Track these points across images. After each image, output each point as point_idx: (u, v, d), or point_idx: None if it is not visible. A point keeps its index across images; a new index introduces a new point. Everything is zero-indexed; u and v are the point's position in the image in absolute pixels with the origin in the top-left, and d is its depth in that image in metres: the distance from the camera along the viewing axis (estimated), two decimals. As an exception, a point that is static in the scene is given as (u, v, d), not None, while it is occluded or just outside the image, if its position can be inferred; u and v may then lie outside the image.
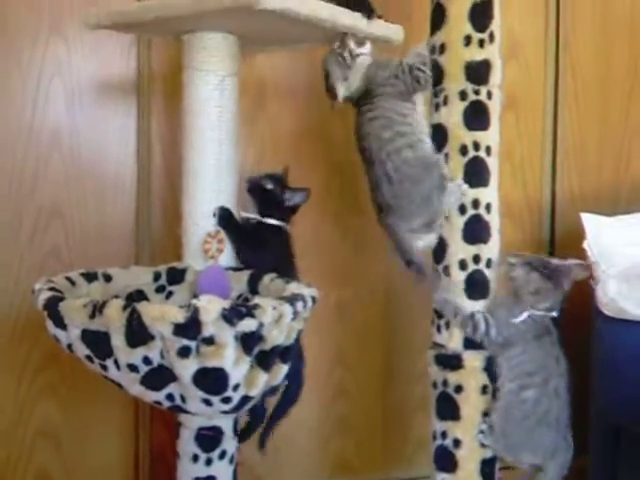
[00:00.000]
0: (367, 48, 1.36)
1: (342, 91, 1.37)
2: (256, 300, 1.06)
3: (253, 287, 1.35)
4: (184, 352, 1.01)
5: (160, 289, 1.40)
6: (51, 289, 1.14)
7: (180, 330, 1.00)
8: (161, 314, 0.99)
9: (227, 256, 1.42)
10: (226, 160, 1.42)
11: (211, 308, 0.99)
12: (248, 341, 1.04)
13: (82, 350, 1.09)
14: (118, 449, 1.76)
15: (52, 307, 1.09)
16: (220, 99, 1.39)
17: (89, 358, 1.09)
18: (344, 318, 1.88)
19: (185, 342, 1.01)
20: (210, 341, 1.01)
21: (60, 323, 1.09)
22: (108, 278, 1.33)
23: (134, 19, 1.37)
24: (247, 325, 1.02)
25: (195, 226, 1.41)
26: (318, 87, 1.70)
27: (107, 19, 1.39)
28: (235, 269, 1.40)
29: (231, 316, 1.01)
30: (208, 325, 0.99)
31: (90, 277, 1.30)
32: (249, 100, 1.73)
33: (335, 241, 1.86)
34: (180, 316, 0.99)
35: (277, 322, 1.06)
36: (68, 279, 1.24)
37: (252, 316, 1.02)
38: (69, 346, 1.11)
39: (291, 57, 1.78)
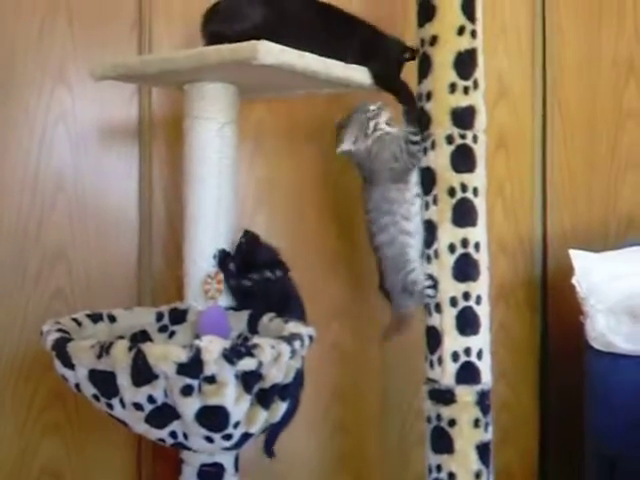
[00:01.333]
0: (391, 129, 1.42)
1: (346, 147, 1.42)
2: (255, 340, 1.11)
3: (253, 327, 1.39)
4: (187, 391, 1.06)
5: (163, 329, 1.45)
6: (59, 330, 1.19)
7: (183, 369, 1.04)
8: (165, 354, 1.04)
9: (227, 296, 1.46)
10: (226, 204, 1.47)
11: (212, 348, 1.04)
12: (248, 379, 1.09)
13: (89, 389, 1.13)
14: (121, 487, 1.77)
15: (60, 348, 1.14)
16: (220, 146, 1.44)
17: (96, 397, 1.14)
18: (341, 355, 1.91)
19: (188, 381, 1.06)
20: (212, 380, 1.06)
21: (68, 363, 1.14)
22: (113, 319, 1.38)
23: (138, 71, 1.42)
24: (247, 364, 1.07)
25: (196, 267, 1.45)
26: (315, 132, 1.83)
27: (112, 71, 1.45)
28: (235, 309, 1.45)
29: (231, 356, 1.05)
30: (210, 364, 1.04)
31: (95, 318, 1.34)
32: (248, 144, 1.78)
33: (331, 279, 1.89)
34: (183, 356, 1.04)
35: (276, 361, 1.11)
36: (74, 320, 1.29)
37: (252, 355, 1.07)
38: (77, 385, 1.16)
39: (289, 102, 1.82)
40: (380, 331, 1.60)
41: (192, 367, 1.05)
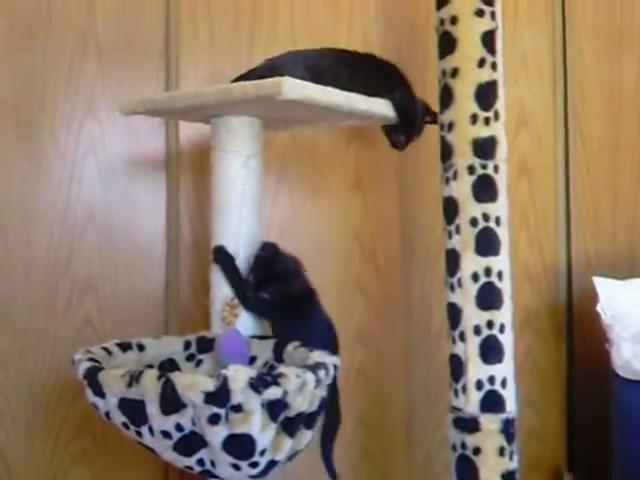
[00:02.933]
0: None
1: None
2: (281, 369, 1.13)
3: (278, 355, 1.40)
4: (214, 419, 1.08)
5: (190, 357, 1.46)
6: (90, 359, 1.21)
7: (210, 398, 1.06)
8: (193, 383, 1.06)
9: (250, 323, 1.47)
10: (249, 234, 1.48)
11: (239, 377, 1.06)
12: (274, 408, 1.10)
13: (119, 418, 1.15)
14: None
15: (92, 377, 1.16)
16: (245, 178, 1.45)
17: (125, 425, 1.16)
18: (366, 381, 1.91)
19: (215, 410, 1.07)
20: (238, 408, 1.07)
21: (99, 392, 1.16)
22: (141, 347, 1.40)
23: (166, 107, 1.45)
24: (273, 393, 1.08)
25: (222, 296, 1.46)
26: (338, 162, 1.87)
27: (140, 106, 1.48)
28: (260, 337, 1.46)
29: (258, 385, 1.07)
30: (236, 393, 1.06)
31: (125, 347, 1.36)
32: (272, 174, 1.79)
33: (357, 304, 1.89)
34: (210, 385, 1.05)
35: (301, 390, 1.12)
36: (105, 349, 1.31)
37: (277, 384, 1.09)
38: (107, 414, 1.18)
39: (312, 133, 1.84)
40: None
41: (219, 396, 1.06)
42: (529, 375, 1.96)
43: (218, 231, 1.48)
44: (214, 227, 1.49)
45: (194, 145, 1.78)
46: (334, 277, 1.87)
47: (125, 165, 1.75)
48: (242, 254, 1.45)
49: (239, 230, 1.46)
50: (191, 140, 1.78)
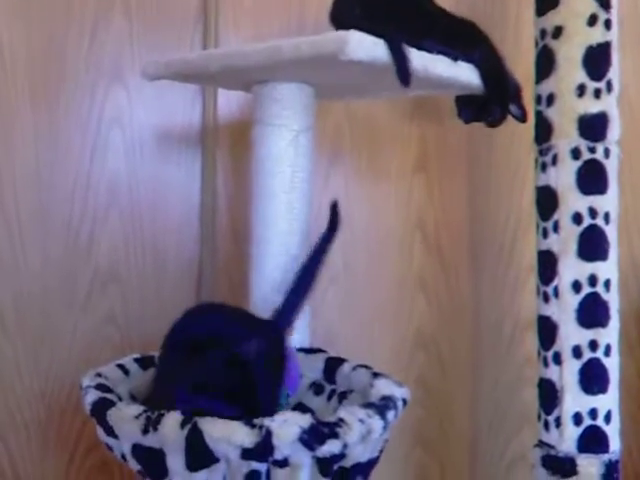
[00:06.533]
0: None
1: None
2: (341, 412, 0.88)
3: (330, 375, 1.18)
4: (253, 478, 0.84)
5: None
6: (99, 387, 0.99)
7: (249, 454, 0.83)
8: (226, 435, 0.82)
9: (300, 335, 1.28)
10: (298, 226, 1.30)
11: (286, 432, 0.82)
12: (328, 462, 0.87)
13: (134, 465, 0.93)
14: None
15: (100, 414, 0.95)
16: (293, 157, 1.27)
17: (141, 474, 0.93)
18: (426, 392, 1.74)
19: (254, 466, 0.84)
20: (283, 463, 0.84)
21: (111, 432, 0.95)
22: None
23: (197, 69, 1.25)
24: (329, 449, 0.85)
25: (261, 296, 1.28)
26: (399, 140, 1.71)
27: (166, 70, 1.28)
28: (308, 351, 1.24)
29: (311, 440, 0.84)
30: (282, 449, 0.82)
31: (145, 363, 1.15)
32: (323, 156, 1.65)
33: (417, 302, 1.75)
34: (248, 440, 0.82)
35: (364, 439, 0.89)
36: (121, 367, 1.11)
37: (336, 436, 0.85)
38: (123, 456, 0.96)
39: (369, 105, 1.69)
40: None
41: (260, 452, 0.83)
42: (636, 406, 1.77)
43: (261, 221, 1.29)
44: (255, 215, 1.31)
45: (234, 117, 1.63)
46: (393, 271, 1.74)
47: (155, 139, 1.61)
48: (290, 251, 1.27)
49: (286, 221, 1.28)
50: (232, 111, 1.63)
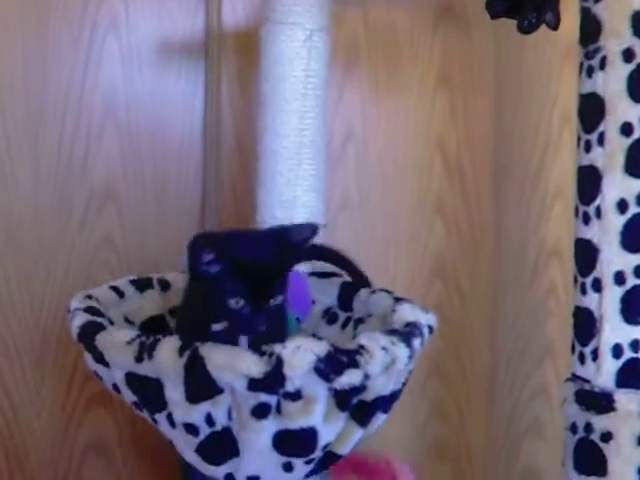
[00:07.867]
0: None
1: None
2: (362, 340, 0.78)
3: (345, 301, 1.10)
4: (261, 411, 0.76)
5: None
6: (88, 309, 0.89)
7: (257, 385, 0.74)
8: (231, 363, 0.72)
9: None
10: (311, 138, 1.23)
11: (299, 361, 0.72)
12: (346, 396, 0.79)
13: (129, 396, 0.85)
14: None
15: (88, 339, 0.86)
16: (307, 60, 1.20)
17: (137, 406, 0.84)
18: (443, 323, 1.59)
19: (263, 398, 0.75)
20: (296, 396, 0.75)
21: (101, 359, 0.86)
22: (165, 285, 1.10)
23: None
24: (348, 380, 0.76)
25: (273, 219, 1.21)
26: (420, 52, 1.63)
27: None
28: (321, 275, 1.16)
29: (327, 370, 0.75)
30: (294, 379, 0.73)
31: (143, 285, 1.07)
32: (336, 67, 1.55)
33: (434, 227, 1.69)
34: (256, 370, 0.72)
35: (387, 369, 0.79)
36: (115, 289, 1.02)
37: (356, 366, 0.76)
38: (115, 386, 0.88)
39: (389, 12, 1.61)
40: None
41: (269, 382, 0.74)
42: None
43: (269, 132, 1.22)
44: (263, 125, 1.24)
45: (241, 24, 1.56)
46: (409, 194, 1.68)
47: (155, 48, 1.54)
48: (302, 165, 1.20)
49: (297, 132, 1.21)
50: (237, 17, 1.55)
